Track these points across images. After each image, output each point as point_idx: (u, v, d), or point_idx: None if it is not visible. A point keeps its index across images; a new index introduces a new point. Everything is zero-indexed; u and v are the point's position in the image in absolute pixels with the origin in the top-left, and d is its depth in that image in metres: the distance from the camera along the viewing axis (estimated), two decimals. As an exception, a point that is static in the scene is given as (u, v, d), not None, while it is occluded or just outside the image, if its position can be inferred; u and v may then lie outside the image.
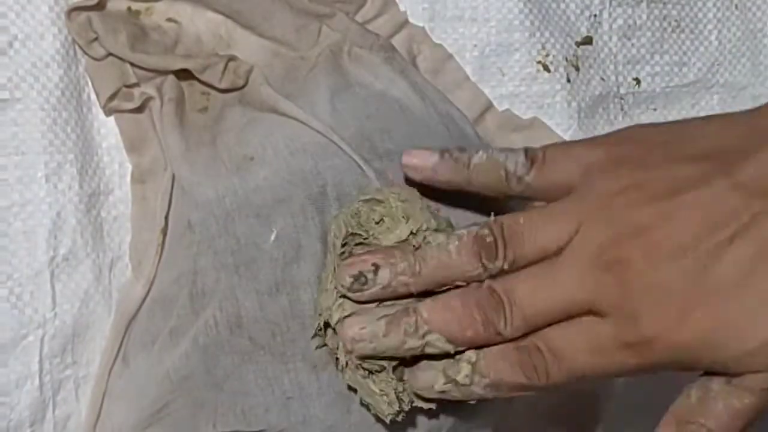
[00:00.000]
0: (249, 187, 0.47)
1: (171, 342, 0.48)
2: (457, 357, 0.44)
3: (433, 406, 0.46)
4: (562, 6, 0.59)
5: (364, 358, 0.44)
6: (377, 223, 0.46)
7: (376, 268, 0.44)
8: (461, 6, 0.57)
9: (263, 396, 0.46)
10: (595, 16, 0.60)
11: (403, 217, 0.45)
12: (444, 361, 0.44)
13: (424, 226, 0.45)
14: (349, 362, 0.45)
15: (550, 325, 0.43)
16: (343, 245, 0.45)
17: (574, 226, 0.42)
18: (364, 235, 0.46)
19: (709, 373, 0.43)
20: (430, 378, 0.44)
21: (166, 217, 0.50)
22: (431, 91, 0.52)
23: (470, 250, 0.43)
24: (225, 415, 0.46)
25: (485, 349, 0.43)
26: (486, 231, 0.43)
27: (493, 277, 0.44)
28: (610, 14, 0.61)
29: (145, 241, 0.51)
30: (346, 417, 0.47)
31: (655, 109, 0.62)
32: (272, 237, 0.46)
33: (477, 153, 0.45)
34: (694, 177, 0.42)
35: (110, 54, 0.51)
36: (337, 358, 0.45)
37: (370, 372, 0.45)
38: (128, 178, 0.52)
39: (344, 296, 0.45)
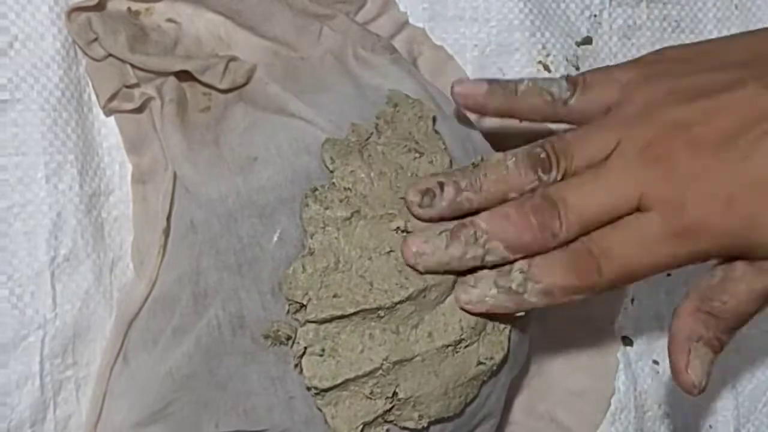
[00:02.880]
0: (252, 188, 0.47)
1: (174, 341, 0.48)
2: (508, 267, 0.44)
3: (424, 423, 0.46)
4: (562, 6, 0.59)
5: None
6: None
7: (441, 185, 0.45)
8: (461, 6, 0.57)
9: (266, 395, 0.46)
10: (595, 16, 0.60)
11: None
12: (495, 272, 0.45)
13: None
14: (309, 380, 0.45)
15: (602, 227, 0.44)
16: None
17: (619, 135, 0.45)
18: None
19: (734, 259, 0.45)
20: (482, 290, 0.45)
21: (168, 218, 0.50)
22: (435, 92, 0.52)
23: (527, 164, 0.45)
24: (228, 415, 0.46)
25: (536, 257, 0.44)
26: (538, 149, 0.45)
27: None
28: (610, 14, 0.61)
29: (147, 242, 0.51)
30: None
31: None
32: (275, 237, 0.46)
33: (522, 81, 0.48)
34: (728, 81, 0.45)
35: (110, 54, 0.50)
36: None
37: (329, 403, 0.45)
38: (129, 179, 0.52)
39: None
